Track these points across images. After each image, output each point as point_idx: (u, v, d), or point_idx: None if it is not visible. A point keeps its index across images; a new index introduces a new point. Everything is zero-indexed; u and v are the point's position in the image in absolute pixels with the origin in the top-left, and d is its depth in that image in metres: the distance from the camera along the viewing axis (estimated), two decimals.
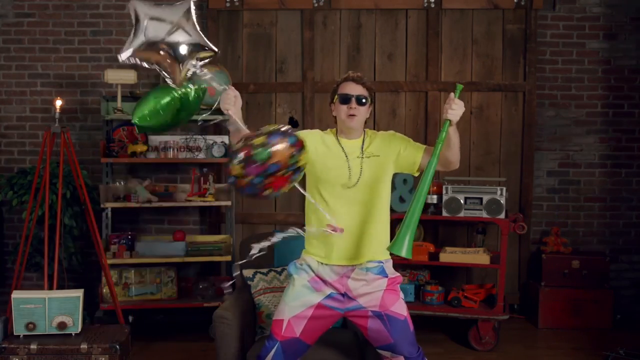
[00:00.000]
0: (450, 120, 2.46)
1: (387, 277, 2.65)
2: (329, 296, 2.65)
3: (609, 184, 5.21)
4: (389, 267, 2.68)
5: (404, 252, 2.40)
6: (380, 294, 2.62)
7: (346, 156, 2.65)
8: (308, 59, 5.04)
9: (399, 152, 2.67)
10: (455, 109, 2.44)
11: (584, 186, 5.22)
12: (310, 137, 2.65)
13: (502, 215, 4.37)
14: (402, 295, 2.70)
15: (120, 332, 3.39)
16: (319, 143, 2.69)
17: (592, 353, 4.23)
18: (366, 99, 2.66)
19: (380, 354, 2.72)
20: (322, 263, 2.67)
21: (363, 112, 2.66)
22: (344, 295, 2.65)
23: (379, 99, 5.05)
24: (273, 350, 2.62)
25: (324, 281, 2.65)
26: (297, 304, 2.64)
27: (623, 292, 5.14)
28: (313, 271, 2.66)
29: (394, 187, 4.65)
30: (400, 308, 2.65)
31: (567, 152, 5.21)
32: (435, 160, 2.48)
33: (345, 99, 2.65)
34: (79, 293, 3.34)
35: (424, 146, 2.69)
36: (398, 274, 2.71)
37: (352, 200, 2.64)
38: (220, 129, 4.78)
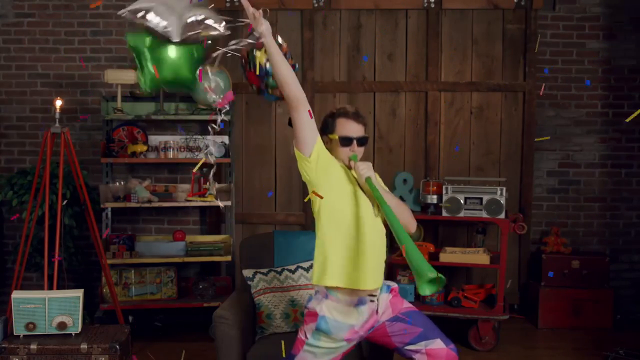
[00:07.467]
0: (369, 177, 2.50)
1: (389, 290, 2.71)
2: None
3: (609, 184, 5.21)
4: (386, 282, 2.73)
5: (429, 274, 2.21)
6: (388, 304, 2.66)
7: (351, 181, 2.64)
8: (308, 59, 5.04)
9: None
10: (363, 167, 2.50)
11: (584, 186, 5.22)
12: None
13: (502, 215, 4.37)
14: None
15: (120, 332, 3.39)
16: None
17: (592, 353, 4.24)
18: (366, 139, 2.66)
19: (412, 353, 2.61)
20: (354, 291, 2.55)
21: (362, 152, 2.66)
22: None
23: (378, 99, 5.05)
24: None
25: (356, 331, 2.59)
26: (328, 358, 2.60)
27: (623, 292, 5.14)
28: (353, 326, 2.56)
29: (394, 187, 4.66)
30: (408, 304, 2.71)
31: (567, 152, 5.21)
32: (385, 207, 2.45)
33: (348, 142, 2.61)
34: (79, 293, 3.33)
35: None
36: (394, 282, 2.77)
37: (373, 222, 2.61)
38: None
